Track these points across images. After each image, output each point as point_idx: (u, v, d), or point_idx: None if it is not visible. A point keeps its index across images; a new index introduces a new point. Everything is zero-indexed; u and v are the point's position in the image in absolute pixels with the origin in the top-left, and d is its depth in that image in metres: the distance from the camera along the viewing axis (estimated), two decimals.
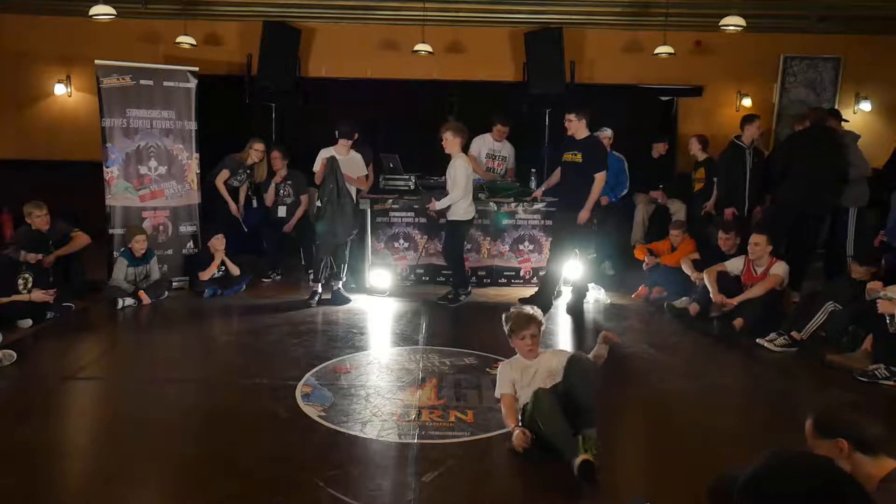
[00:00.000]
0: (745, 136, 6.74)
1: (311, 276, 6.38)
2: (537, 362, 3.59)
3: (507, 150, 7.34)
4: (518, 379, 3.57)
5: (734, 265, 5.79)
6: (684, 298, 6.09)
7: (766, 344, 5.11)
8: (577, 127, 5.81)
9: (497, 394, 3.63)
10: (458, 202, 6.12)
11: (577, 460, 3.02)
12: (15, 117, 8.71)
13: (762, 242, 5.57)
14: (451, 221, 6.27)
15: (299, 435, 3.58)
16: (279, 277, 7.14)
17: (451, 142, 6.09)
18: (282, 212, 7.08)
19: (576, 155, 5.85)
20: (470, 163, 6.30)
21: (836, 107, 8.46)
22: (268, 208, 7.13)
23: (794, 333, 5.05)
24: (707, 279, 5.73)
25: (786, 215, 6.32)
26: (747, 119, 6.80)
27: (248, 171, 7.08)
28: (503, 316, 3.68)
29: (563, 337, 5.53)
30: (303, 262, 7.20)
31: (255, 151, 6.99)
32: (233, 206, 6.98)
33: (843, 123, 6.91)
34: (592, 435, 3.20)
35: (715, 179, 7.17)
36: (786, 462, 1.82)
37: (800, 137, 6.57)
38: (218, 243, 6.51)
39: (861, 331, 4.82)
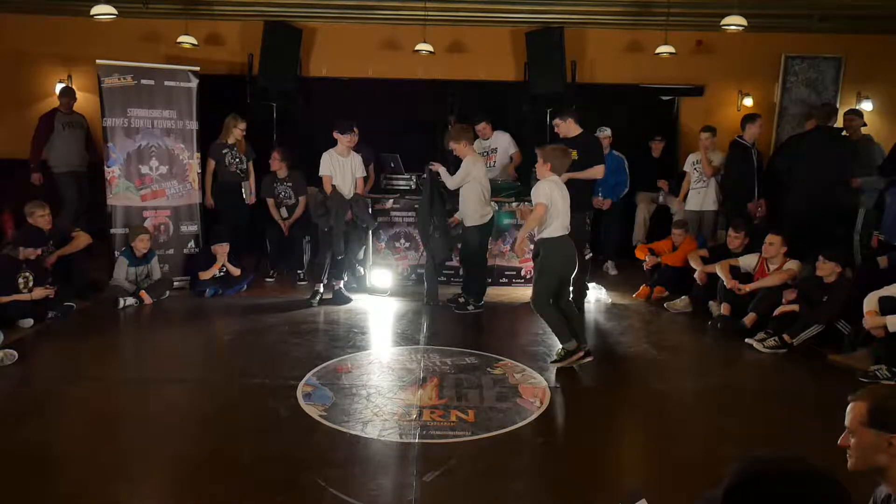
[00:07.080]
0: (746, 135, 6.72)
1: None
2: None
3: (497, 141, 7.23)
4: None
5: (747, 262, 5.77)
6: (683, 297, 6.09)
7: (754, 344, 5.08)
8: (566, 129, 5.75)
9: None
10: (471, 207, 5.92)
11: None
12: (16, 117, 8.69)
13: (777, 243, 5.53)
14: (466, 227, 6.08)
15: (300, 434, 3.58)
16: (277, 274, 7.12)
17: (457, 148, 6.00)
18: (284, 213, 7.06)
19: (572, 153, 5.84)
20: (480, 163, 6.09)
21: (839, 107, 8.44)
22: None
23: (786, 336, 5.01)
24: (719, 270, 5.73)
25: (795, 216, 6.30)
26: (749, 118, 6.78)
27: (234, 151, 6.96)
28: None
29: None
30: (302, 269, 7.06)
31: (238, 130, 6.91)
32: (208, 191, 6.90)
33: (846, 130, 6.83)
34: None
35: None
36: (759, 471, 1.70)
37: (806, 137, 6.55)
38: (220, 250, 6.49)
39: (862, 331, 4.80)
